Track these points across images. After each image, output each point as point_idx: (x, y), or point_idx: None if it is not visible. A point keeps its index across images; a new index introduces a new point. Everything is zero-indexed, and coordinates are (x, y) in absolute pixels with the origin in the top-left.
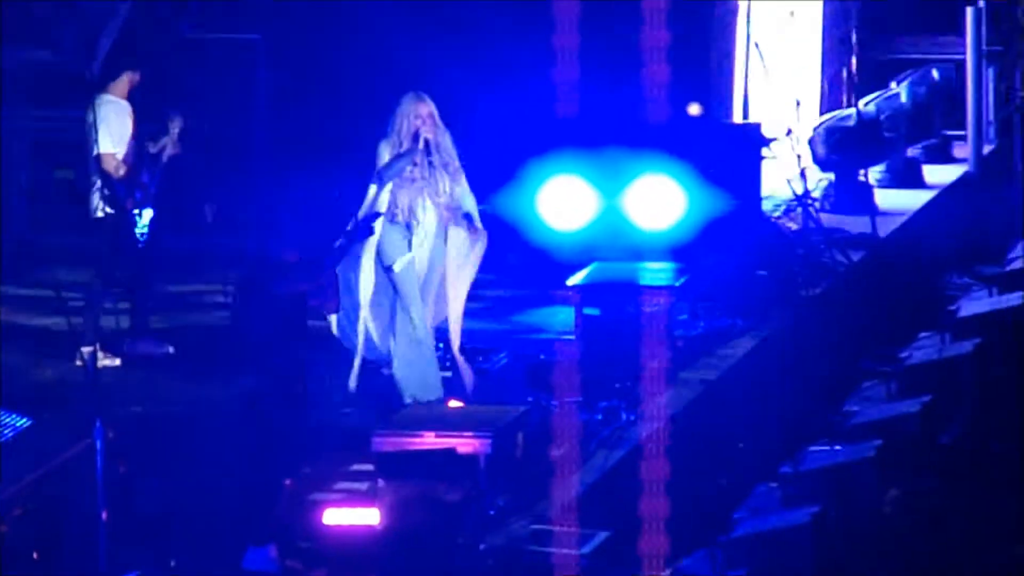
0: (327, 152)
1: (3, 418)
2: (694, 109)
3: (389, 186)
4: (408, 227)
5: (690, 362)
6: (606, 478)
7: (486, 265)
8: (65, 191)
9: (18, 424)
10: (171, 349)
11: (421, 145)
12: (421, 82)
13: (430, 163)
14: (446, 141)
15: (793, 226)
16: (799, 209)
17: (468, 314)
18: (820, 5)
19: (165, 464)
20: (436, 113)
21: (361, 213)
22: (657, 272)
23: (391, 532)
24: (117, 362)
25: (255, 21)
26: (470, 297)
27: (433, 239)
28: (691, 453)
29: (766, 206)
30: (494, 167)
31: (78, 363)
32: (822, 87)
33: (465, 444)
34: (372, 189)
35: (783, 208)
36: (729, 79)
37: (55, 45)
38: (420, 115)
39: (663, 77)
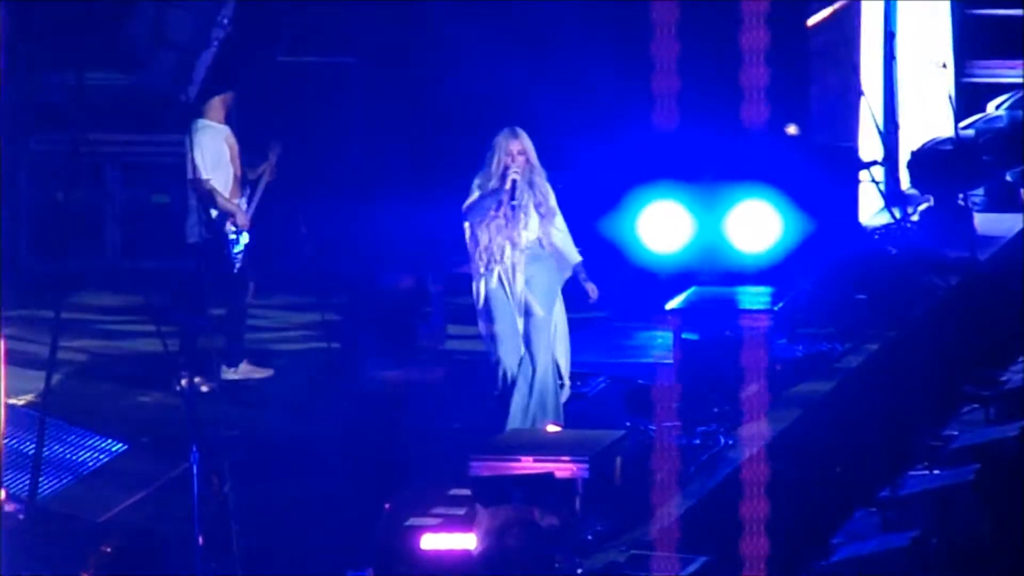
0: (425, 178)
1: (99, 443)
2: (791, 129)
3: (475, 224)
4: (488, 268)
5: (789, 386)
6: (704, 503)
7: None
8: (160, 216)
9: (113, 449)
10: (269, 372)
11: (508, 185)
12: (520, 109)
13: (513, 204)
14: (540, 180)
15: (892, 250)
16: (898, 233)
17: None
18: (920, 28)
19: (262, 488)
20: (531, 150)
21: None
22: (755, 296)
23: (488, 557)
24: (213, 387)
25: (351, 45)
26: (570, 320)
27: (521, 279)
28: (789, 478)
29: (864, 229)
30: (597, 194)
31: (176, 388)
32: (921, 110)
33: (563, 468)
34: (466, 226)
35: (881, 232)
36: (829, 102)
37: (151, 70)
38: (511, 152)
39: (762, 102)
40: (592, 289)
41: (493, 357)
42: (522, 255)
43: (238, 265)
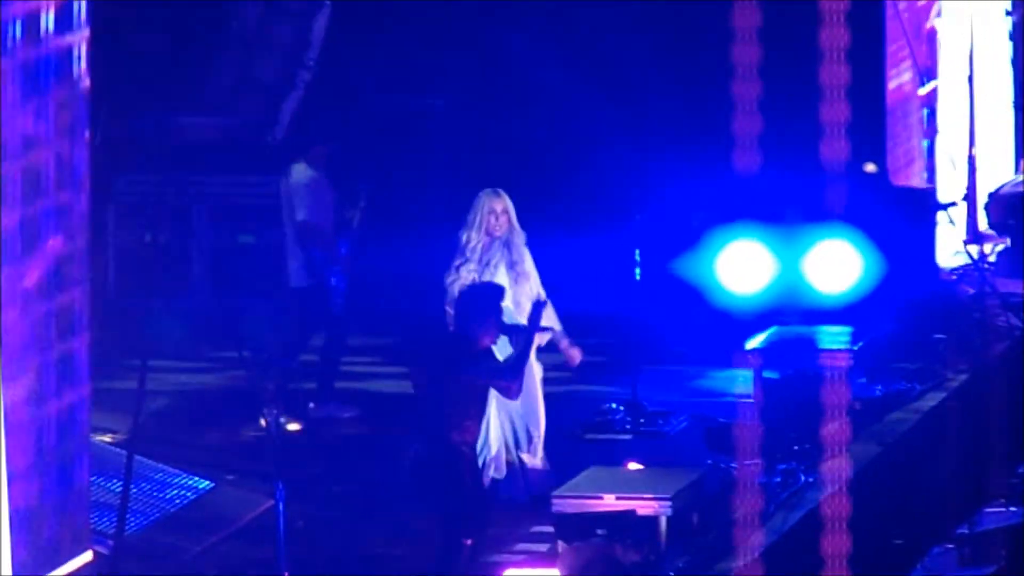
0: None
1: (185, 481)
2: (870, 167)
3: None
4: None
5: (868, 425)
6: (785, 540)
7: (666, 329)
8: (247, 256)
9: (200, 487)
10: (355, 412)
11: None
12: (600, 150)
13: (486, 262)
14: (518, 241)
15: (969, 290)
16: (975, 273)
17: (648, 376)
18: (998, 70)
19: (345, 525)
20: (512, 211)
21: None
22: (835, 335)
23: None
24: (300, 425)
25: (436, 86)
26: (651, 360)
27: None
28: (868, 515)
29: (942, 270)
30: (675, 234)
31: (261, 423)
32: (998, 152)
33: (645, 506)
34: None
35: (959, 272)
36: (906, 142)
37: (237, 112)
38: (495, 210)
39: (841, 141)
40: (575, 355)
41: None
42: None
43: (338, 307)
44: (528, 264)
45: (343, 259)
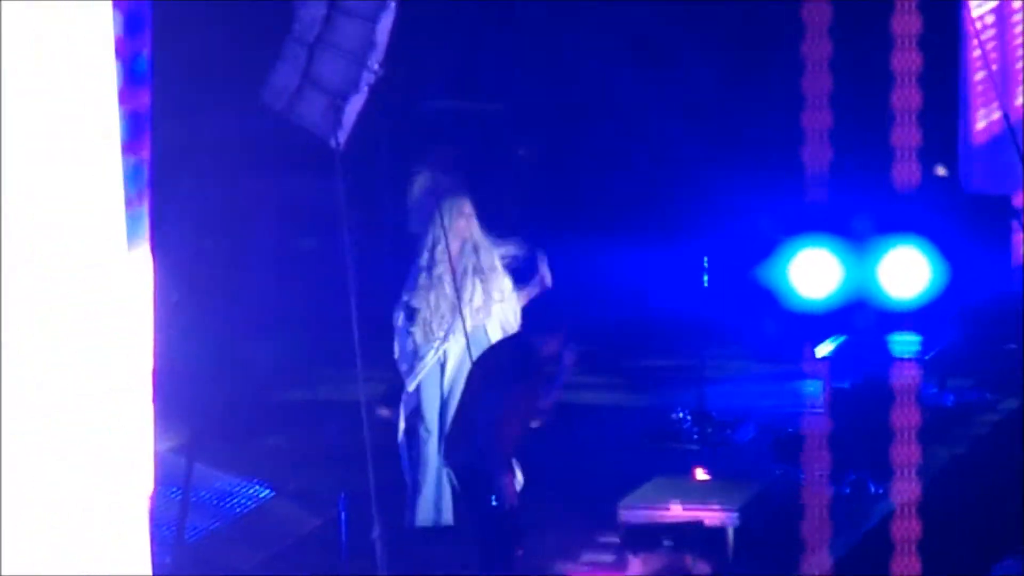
0: (575, 226)
1: (245, 489)
2: (940, 171)
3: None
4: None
5: (939, 435)
6: (854, 552)
7: (735, 337)
8: (309, 259)
9: (260, 495)
10: None
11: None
12: (667, 155)
13: (457, 266)
14: (486, 244)
15: None
16: None
17: (716, 385)
18: None
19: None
20: (473, 216)
21: None
22: (906, 345)
23: None
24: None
25: (500, 90)
26: (716, 368)
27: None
28: (940, 526)
29: (1015, 278)
30: (752, 243)
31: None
32: None
33: (712, 516)
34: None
35: None
36: (978, 147)
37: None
38: (463, 213)
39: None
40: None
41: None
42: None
43: None
44: (498, 269)
45: None
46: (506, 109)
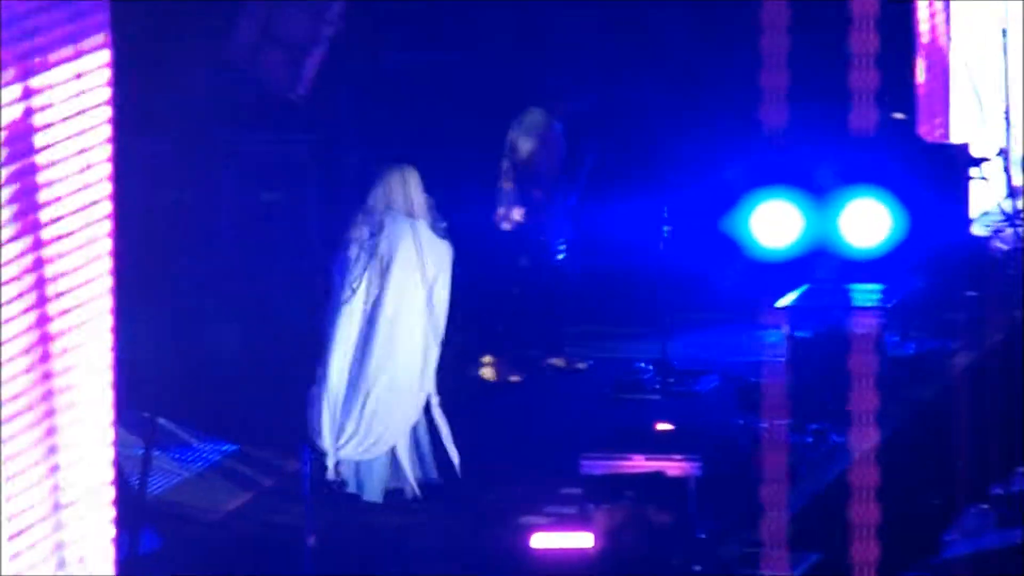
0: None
1: (209, 444)
2: (898, 116)
3: None
4: None
5: (900, 384)
6: (816, 501)
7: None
8: (270, 214)
9: (223, 449)
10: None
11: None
12: (628, 108)
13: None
14: (427, 218)
15: (1003, 246)
16: (1009, 229)
17: (678, 335)
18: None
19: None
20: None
21: None
22: (867, 293)
23: (605, 556)
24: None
25: (456, 42)
26: (685, 321)
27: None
28: (901, 475)
29: (975, 226)
30: (716, 195)
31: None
32: None
33: (674, 467)
34: None
35: (993, 228)
36: (939, 98)
37: (260, 68)
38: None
39: (870, 103)
40: None
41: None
42: None
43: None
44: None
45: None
46: (467, 59)
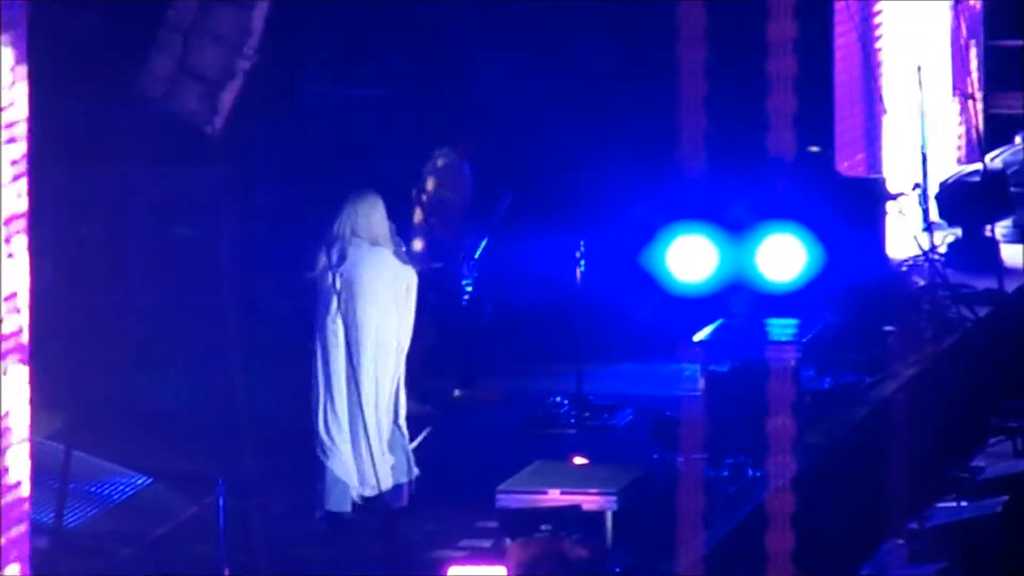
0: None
1: (123, 477)
2: (814, 149)
3: None
4: None
5: (816, 418)
6: (732, 535)
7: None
8: (184, 249)
9: (138, 483)
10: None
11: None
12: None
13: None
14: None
15: (920, 281)
16: (925, 264)
17: (593, 370)
18: (947, 59)
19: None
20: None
21: None
22: (783, 328)
23: None
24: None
25: (380, 76)
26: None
27: None
28: (817, 509)
29: (891, 261)
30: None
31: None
32: (948, 142)
33: (590, 501)
34: None
35: (909, 263)
36: (855, 133)
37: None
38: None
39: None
40: None
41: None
42: None
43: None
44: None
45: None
46: (385, 94)
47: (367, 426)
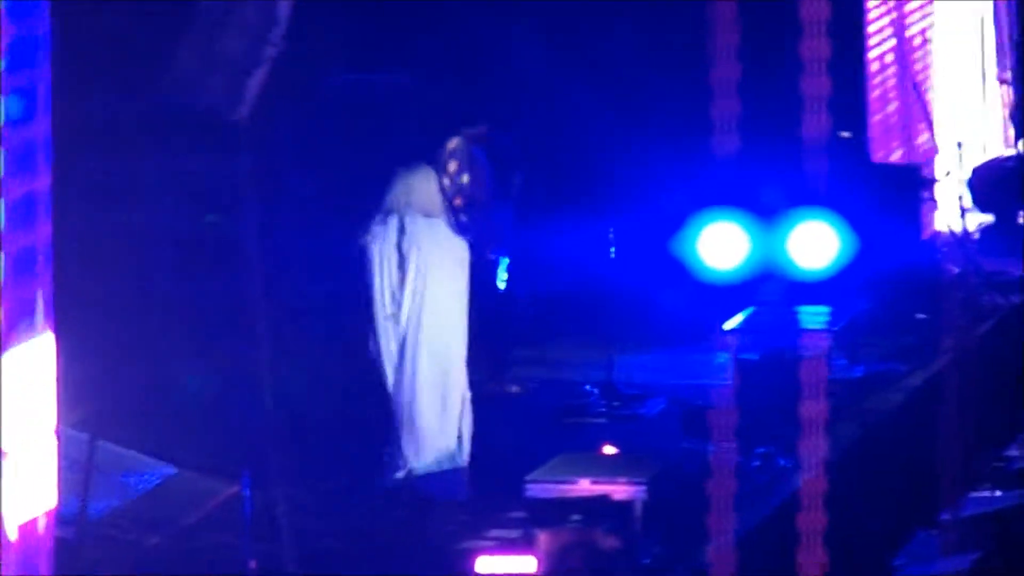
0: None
1: (149, 465)
2: (845, 134)
3: None
4: None
5: (848, 407)
6: (763, 525)
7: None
8: (211, 238)
9: (164, 473)
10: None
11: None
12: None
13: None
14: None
15: (953, 269)
16: (959, 251)
17: (624, 358)
18: (980, 46)
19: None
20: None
21: None
22: (815, 316)
23: None
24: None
25: (407, 61)
26: (630, 343)
27: None
28: (849, 499)
29: (925, 248)
30: (660, 217)
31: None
32: (983, 128)
33: (620, 491)
34: None
35: (943, 250)
36: (889, 120)
37: (202, 90)
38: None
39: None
40: None
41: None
42: None
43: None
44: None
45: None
46: (411, 81)
47: (424, 402)
